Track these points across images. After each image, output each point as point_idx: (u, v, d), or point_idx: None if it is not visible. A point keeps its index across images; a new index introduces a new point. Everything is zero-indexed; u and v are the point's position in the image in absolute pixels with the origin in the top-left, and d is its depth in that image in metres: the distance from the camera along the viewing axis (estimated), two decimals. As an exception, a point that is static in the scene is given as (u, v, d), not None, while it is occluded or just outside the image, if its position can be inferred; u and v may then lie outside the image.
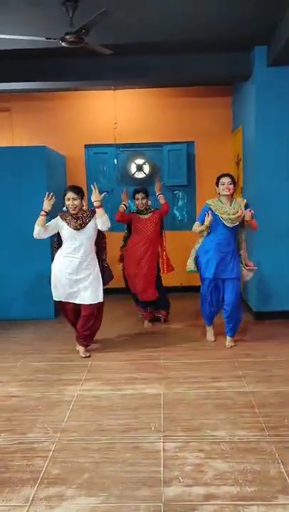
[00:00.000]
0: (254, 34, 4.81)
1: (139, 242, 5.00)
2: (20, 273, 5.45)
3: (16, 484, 2.37)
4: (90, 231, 4.13)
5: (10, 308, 5.52)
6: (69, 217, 4.11)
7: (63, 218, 4.13)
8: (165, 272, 5.16)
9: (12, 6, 3.89)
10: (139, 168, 6.82)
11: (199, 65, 5.41)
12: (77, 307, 4.18)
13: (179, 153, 6.68)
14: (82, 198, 4.16)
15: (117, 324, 5.29)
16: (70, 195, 4.09)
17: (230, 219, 4.20)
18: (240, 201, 4.32)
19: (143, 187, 5.34)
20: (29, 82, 5.60)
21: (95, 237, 4.20)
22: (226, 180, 4.23)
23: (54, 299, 4.21)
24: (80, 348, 4.24)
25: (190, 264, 4.45)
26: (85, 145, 6.84)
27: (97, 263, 4.23)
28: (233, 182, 4.28)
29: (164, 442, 2.72)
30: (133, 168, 6.83)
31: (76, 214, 4.10)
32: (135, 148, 6.86)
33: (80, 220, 4.09)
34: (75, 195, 4.09)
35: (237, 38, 4.90)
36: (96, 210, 4.10)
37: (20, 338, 4.88)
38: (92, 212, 4.15)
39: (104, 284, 4.26)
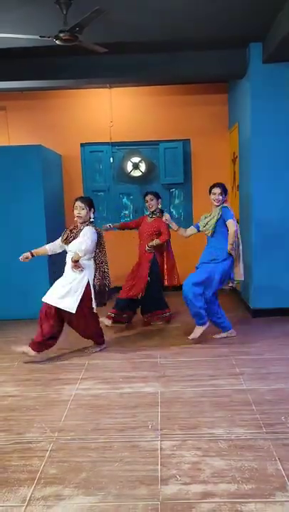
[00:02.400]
0: (249, 31, 4.80)
1: (139, 244, 5.09)
2: (17, 273, 5.43)
3: (13, 484, 2.37)
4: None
5: (6, 307, 5.51)
6: (69, 229, 4.19)
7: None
8: (166, 283, 5.09)
9: (6, 4, 3.87)
10: (135, 166, 6.81)
11: (195, 63, 5.41)
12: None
13: (175, 151, 6.68)
14: (90, 210, 4.16)
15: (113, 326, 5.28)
16: (77, 203, 4.12)
17: (203, 228, 4.52)
18: (214, 214, 4.44)
19: (154, 191, 5.31)
20: (24, 81, 5.58)
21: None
22: (216, 190, 4.41)
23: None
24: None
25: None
26: (81, 144, 6.82)
27: (86, 275, 4.11)
28: (224, 191, 4.44)
29: (161, 441, 2.72)
30: (129, 167, 6.82)
31: (75, 226, 4.17)
32: (131, 147, 6.85)
33: (71, 234, 4.16)
34: (82, 205, 4.10)
35: (232, 35, 4.89)
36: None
37: (16, 338, 4.86)
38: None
39: (97, 303, 4.19)
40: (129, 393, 3.40)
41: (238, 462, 2.48)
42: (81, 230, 4.13)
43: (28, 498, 2.25)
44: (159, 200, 5.06)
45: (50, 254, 4.34)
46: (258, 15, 4.33)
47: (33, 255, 4.23)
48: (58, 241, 4.28)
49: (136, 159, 6.81)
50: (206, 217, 4.52)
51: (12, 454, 2.64)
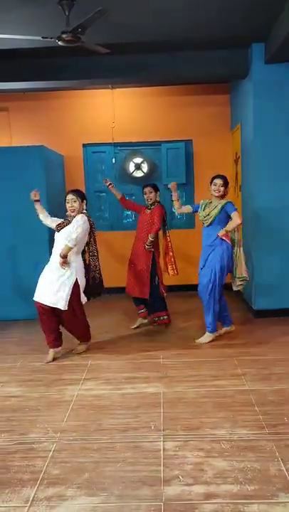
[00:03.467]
0: (251, 31, 4.79)
1: (137, 236, 5.03)
2: (19, 273, 5.44)
3: (16, 485, 2.37)
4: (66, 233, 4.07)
5: (8, 308, 5.52)
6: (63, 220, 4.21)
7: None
8: (169, 274, 5.06)
9: (8, 4, 3.87)
10: (138, 167, 6.81)
11: (197, 63, 5.40)
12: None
13: (177, 151, 6.67)
14: (82, 201, 4.18)
15: (117, 323, 5.29)
16: (69, 197, 4.14)
17: (203, 218, 4.49)
18: (216, 205, 4.40)
19: (152, 182, 5.31)
20: (27, 82, 5.58)
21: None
22: (218, 181, 4.39)
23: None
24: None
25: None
26: (83, 144, 6.83)
27: (74, 272, 4.09)
28: (226, 183, 4.42)
29: (164, 441, 2.72)
30: (131, 167, 6.82)
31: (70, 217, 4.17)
32: (133, 147, 6.85)
33: (64, 223, 4.16)
34: (74, 197, 4.12)
35: (234, 36, 4.88)
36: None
37: (19, 339, 4.88)
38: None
39: (89, 294, 4.26)
40: (132, 394, 3.40)
41: (241, 463, 2.48)
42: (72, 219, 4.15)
43: (31, 499, 2.25)
44: (158, 192, 5.04)
45: (41, 218, 4.42)
46: (259, 15, 4.33)
47: (37, 200, 4.41)
48: (51, 220, 4.33)
49: (138, 160, 6.81)
50: (206, 206, 4.49)
51: (15, 455, 2.65)
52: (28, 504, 2.22)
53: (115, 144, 6.79)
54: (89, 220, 4.18)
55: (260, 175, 5.21)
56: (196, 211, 4.64)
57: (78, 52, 4.53)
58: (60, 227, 4.17)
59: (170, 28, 4.54)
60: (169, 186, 4.82)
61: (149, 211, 5.01)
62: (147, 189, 5.00)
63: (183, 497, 2.22)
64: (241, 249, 4.46)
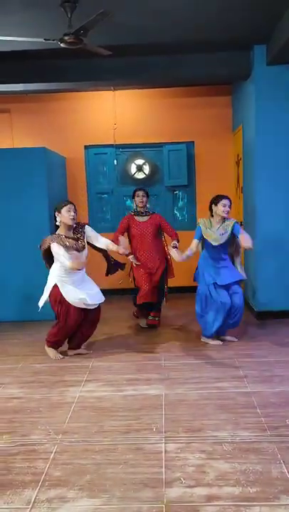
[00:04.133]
0: (253, 33, 4.80)
1: (140, 247, 4.93)
2: (20, 274, 5.45)
3: (18, 486, 2.37)
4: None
5: (10, 310, 5.52)
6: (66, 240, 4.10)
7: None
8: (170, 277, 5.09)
9: (10, 7, 3.89)
10: (139, 168, 6.82)
11: (199, 65, 5.41)
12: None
13: (179, 153, 6.68)
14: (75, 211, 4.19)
15: (118, 325, 5.29)
16: (71, 206, 4.10)
17: (213, 239, 4.31)
18: (228, 224, 4.32)
19: (143, 187, 5.33)
20: (29, 84, 5.60)
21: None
22: (226, 202, 4.27)
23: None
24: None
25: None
26: (85, 146, 6.84)
27: None
28: (231, 203, 4.36)
29: (165, 443, 2.72)
30: (133, 169, 6.83)
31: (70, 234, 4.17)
32: (135, 149, 6.86)
33: (76, 240, 4.16)
34: (74, 207, 4.12)
35: (236, 37, 4.89)
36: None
37: (20, 340, 4.89)
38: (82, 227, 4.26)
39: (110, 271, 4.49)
40: (133, 395, 3.40)
41: (243, 465, 2.47)
42: (81, 229, 4.20)
43: (32, 501, 2.25)
44: (148, 198, 5.05)
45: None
46: (261, 17, 4.34)
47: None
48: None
49: (140, 161, 6.82)
50: (208, 229, 4.34)
51: (16, 456, 2.64)
52: (30, 506, 2.21)
53: (117, 146, 6.80)
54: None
55: (262, 176, 5.21)
56: (200, 237, 4.39)
57: (80, 54, 4.54)
58: (71, 248, 4.05)
59: (172, 30, 4.55)
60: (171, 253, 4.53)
61: (146, 218, 4.97)
62: (141, 192, 4.97)
63: (185, 499, 2.21)
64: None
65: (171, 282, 5.23)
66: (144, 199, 4.96)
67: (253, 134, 5.27)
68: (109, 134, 6.69)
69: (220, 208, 4.27)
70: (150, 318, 5.04)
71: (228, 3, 4.00)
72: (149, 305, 4.98)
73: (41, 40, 3.87)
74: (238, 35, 4.81)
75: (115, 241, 4.47)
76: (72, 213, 4.08)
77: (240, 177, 6.15)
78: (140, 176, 6.83)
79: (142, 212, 4.99)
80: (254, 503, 2.16)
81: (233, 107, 6.56)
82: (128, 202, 6.97)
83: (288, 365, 3.89)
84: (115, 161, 6.87)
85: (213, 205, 4.34)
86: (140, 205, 4.97)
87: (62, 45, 3.89)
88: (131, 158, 6.85)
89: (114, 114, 6.64)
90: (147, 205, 5.04)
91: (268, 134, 5.16)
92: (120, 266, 4.51)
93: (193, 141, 6.79)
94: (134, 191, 5.06)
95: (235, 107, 6.42)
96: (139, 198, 4.95)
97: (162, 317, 5.24)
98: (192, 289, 6.29)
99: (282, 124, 5.14)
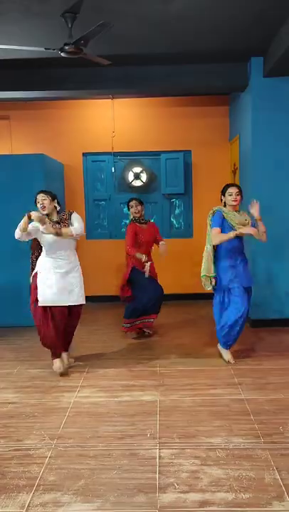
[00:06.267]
0: (250, 46, 4.89)
1: (146, 252, 4.93)
2: (17, 280, 5.46)
3: (12, 490, 2.38)
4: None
5: (6, 315, 5.53)
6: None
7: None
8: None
9: (13, 17, 3.95)
10: (137, 176, 6.87)
11: (196, 76, 5.49)
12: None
13: (176, 161, 6.75)
14: (52, 200, 4.04)
15: (113, 331, 5.30)
16: (39, 196, 4.02)
17: (238, 222, 4.07)
18: (245, 212, 4.20)
19: (136, 196, 5.39)
20: (28, 91, 5.66)
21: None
22: (233, 190, 4.10)
23: (40, 304, 3.94)
24: (64, 356, 4.12)
25: (209, 270, 4.13)
26: (83, 153, 6.90)
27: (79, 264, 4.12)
28: (241, 192, 4.16)
29: (160, 449, 2.74)
30: (130, 177, 6.88)
31: (51, 217, 4.02)
32: (133, 157, 6.92)
33: (60, 225, 3.99)
34: (44, 196, 4.00)
35: (234, 50, 4.98)
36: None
37: (17, 345, 4.89)
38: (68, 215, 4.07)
39: None
40: (128, 401, 3.42)
41: (236, 471, 2.49)
42: (65, 217, 4.03)
43: (26, 505, 2.26)
44: (143, 205, 5.09)
45: (21, 235, 4.08)
46: (259, 30, 4.42)
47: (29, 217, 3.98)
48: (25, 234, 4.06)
49: (137, 169, 6.88)
50: (228, 213, 4.08)
51: (11, 461, 2.66)
52: (24, 510, 2.22)
53: (115, 154, 6.86)
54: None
55: (257, 185, 5.27)
56: (220, 224, 4.06)
57: (79, 63, 4.60)
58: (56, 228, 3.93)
59: (171, 42, 4.63)
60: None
61: (146, 225, 5.03)
62: (134, 202, 4.98)
63: (178, 504, 2.23)
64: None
65: (168, 290, 5.25)
66: (139, 208, 4.99)
67: (250, 144, 5.34)
68: (107, 141, 6.75)
69: (228, 198, 4.11)
70: (147, 320, 5.02)
71: (226, 15, 4.08)
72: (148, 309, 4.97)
73: (42, 49, 3.93)
74: (236, 47, 4.90)
75: (131, 252, 4.72)
76: (40, 204, 3.99)
77: (237, 186, 6.21)
78: (137, 183, 6.89)
79: (142, 221, 5.04)
80: (246, 509, 2.19)
81: (230, 116, 6.64)
82: (125, 209, 7.01)
83: (282, 373, 3.92)
84: (113, 169, 6.92)
85: (222, 196, 4.19)
86: (136, 215, 5.01)
87: (62, 54, 3.95)
88: (128, 165, 6.91)
89: (113, 122, 6.71)
90: (143, 213, 5.08)
91: (264, 144, 5.23)
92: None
93: (190, 150, 6.86)
94: (128, 202, 5.08)
95: (232, 117, 6.50)
96: (134, 209, 4.98)
97: (158, 324, 5.26)
98: (187, 297, 6.35)
99: (278, 134, 5.22)
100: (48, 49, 3.92)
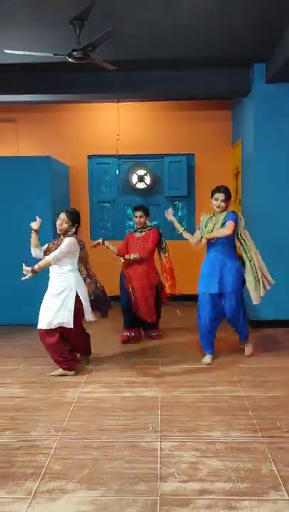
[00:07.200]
0: (253, 52, 4.99)
1: (129, 262, 4.95)
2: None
3: (20, 478, 2.49)
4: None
5: (12, 313, 5.64)
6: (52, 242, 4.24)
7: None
8: (167, 291, 5.02)
9: (23, 23, 4.07)
10: (141, 178, 6.97)
11: (200, 81, 5.59)
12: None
13: (179, 164, 6.85)
14: (72, 224, 4.11)
15: (117, 331, 5.40)
16: (61, 215, 4.10)
17: (205, 231, 4.20)
18: (221, 215, 4.21)
19: (143, 205, 5.39)
20: (35, 95, 5.77)
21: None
22: (219, 196, 4.17)
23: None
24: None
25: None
26: (88, 155, 7.01)
27: (73, 288, 4.03)
28: (227, 197, 4.21)
29: (161, 441, 2.84)
30: (134, 179, 6.98)
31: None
32: (137, 160, 7.03)
33: (52, 246, 4.17)
34: (66, 218, 4.07)
35: (237, 56, 5.08)
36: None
37: (22, 343, 5.01)
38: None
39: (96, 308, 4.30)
40: (131, 397, 3.52)
41: (234, 463, 2.59)
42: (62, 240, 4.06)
43: (33, 491, 2.37)
44: (148, 217, 5.04)
45: (33, 251, 4.30)
46: (262, 37, 4.52)
47: (36, 231, 4.23)
48: (40, 249, 4.26)
49: (141, 172, 6.98)
50: (208, 221, 4.24)
51: (18, 451, 2.76)
52: (31, 496, 2.33)
53: (119, 156, 6.97)
54: (80, 242, 4.16)
55: (259, 189, 5.37)
56: (200, 228, 4.34)
57: (85, 68, 4.71)
58: (48, 252, 4.11)
59: (175, 48, 4.73)
60: (167, 216, 4.62)
61: (140, 235, 5.00)
62: (138, 213, 4.96)
63: (178, 492, 2.34)
64: (255, 271, 4.31)
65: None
66: (142, 220, 4.96)
67: (252, 148, 5.44)
68: (112, 144, 6.86)
69: (213, 203, 4.21)
70: (153, 334, 5.12)
71: (229, 22, 4.19)
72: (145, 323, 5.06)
73: (51, 54, 4.05)
74: (239, 53, 5.00)
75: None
76: (60, 222, 4.07)
77: (239, 189, 6.31)
78: (141, 186, 6.99)
79: (139, 230, 5.04)
80: (244, 498, 2.29)
81: (233, 120, 6.75)
82: (129, 211, 7.12)
83: (281, 371, 4.02)
84: (117, 171, 7.04)
85: (211, 200, 4.27)
86: (138, 226, 5.03)
87: (70, 59, 4.07)
88: (133, 168, 7.02)
89: (118, 126, 6.82)
90: (148, 223, 5.08)
91: (267, 148, 5.34)
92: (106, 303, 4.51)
93: (193, 154, 6.96)
94: (133, 210, 5.08)
95: (235, 121, 6.60)
96: (137, 219, 4.99)
97: (161, 323, 5.36)
98: (189, 298, 6.44)
99: (280, 139, 5.32)
100: (57, 55, 4.04)
